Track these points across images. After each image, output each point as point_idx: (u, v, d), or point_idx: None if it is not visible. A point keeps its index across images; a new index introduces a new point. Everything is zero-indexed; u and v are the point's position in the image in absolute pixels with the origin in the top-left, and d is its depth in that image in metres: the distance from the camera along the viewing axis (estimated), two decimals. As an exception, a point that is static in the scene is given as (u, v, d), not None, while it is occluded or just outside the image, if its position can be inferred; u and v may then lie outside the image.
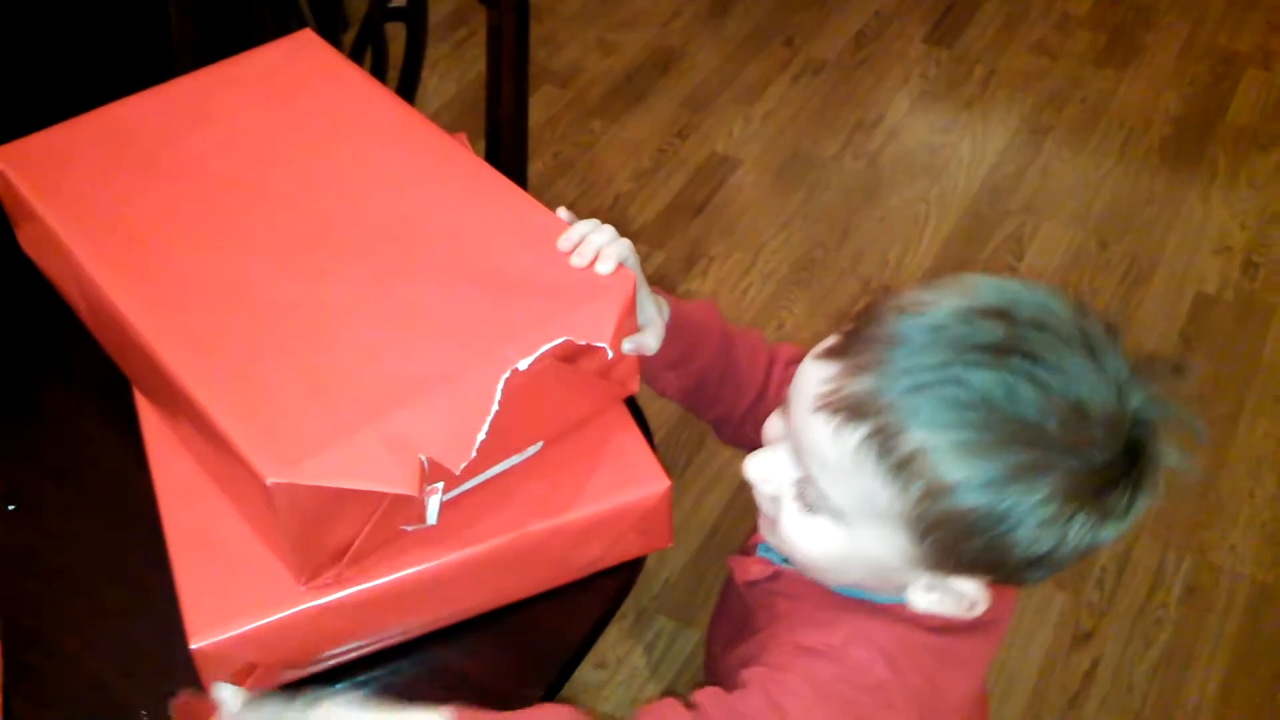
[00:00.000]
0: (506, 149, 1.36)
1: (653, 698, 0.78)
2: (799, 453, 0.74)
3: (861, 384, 0.69)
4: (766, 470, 0.77)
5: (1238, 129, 2.52)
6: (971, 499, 0.67)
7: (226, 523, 0.82)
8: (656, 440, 0.90)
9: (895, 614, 0.76)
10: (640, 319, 0.84)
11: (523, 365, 0.76)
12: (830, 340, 0.74)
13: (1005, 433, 0.66)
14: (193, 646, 0.76)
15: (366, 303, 0.82)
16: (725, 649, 0.93)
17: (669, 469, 0.86)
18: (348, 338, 0.80)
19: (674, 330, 0.87)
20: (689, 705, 0.73)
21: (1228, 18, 2.80)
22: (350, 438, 0.73)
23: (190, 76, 1.02)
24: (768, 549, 0.85)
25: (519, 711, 0.71)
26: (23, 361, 1.00)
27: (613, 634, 1.74)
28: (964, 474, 0.67)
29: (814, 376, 0.72)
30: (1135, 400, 0.69)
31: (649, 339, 0.85)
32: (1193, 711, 1.66)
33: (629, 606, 1.74)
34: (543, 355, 0.76)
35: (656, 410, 1.95)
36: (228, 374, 0.78)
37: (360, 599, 0.78)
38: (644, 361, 0.87)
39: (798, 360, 0.82)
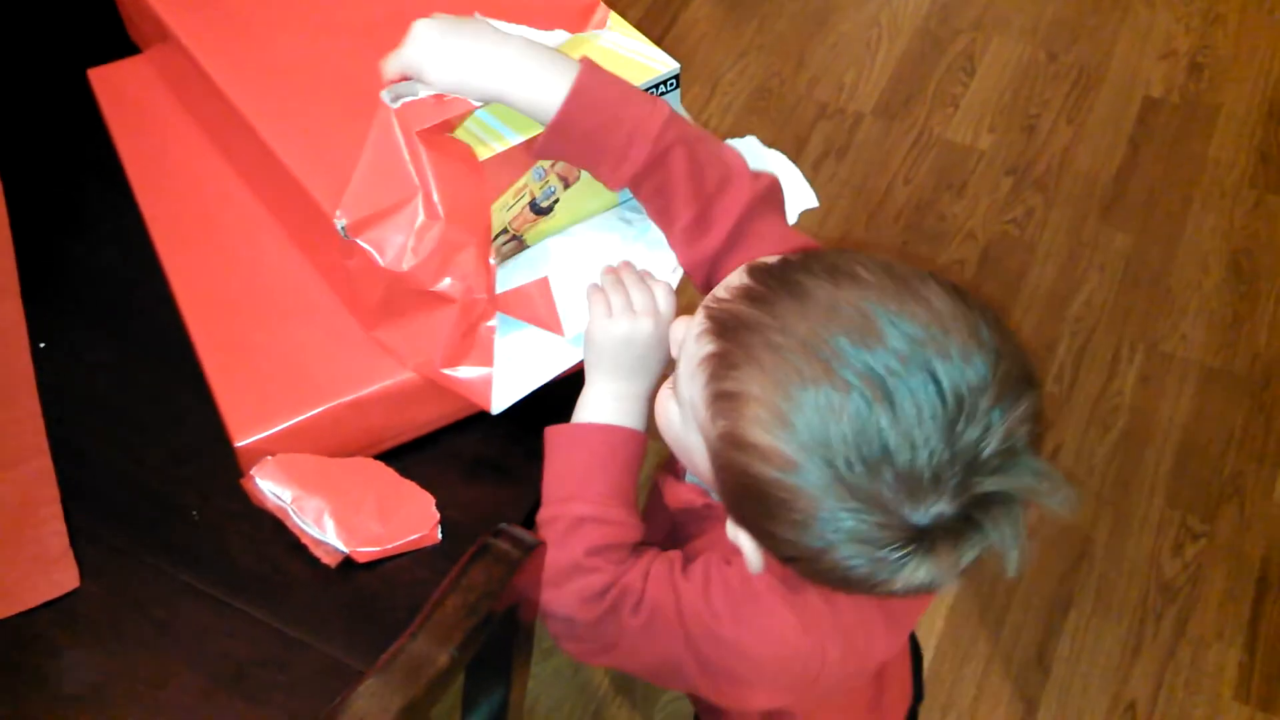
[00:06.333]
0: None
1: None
2: None
3: (745, 310, 0.68)
4: (679, 333, 0.77)
5: (1180, -67, 2.55)
6: (754, 469, 0.67)
7: (252, 334, 0.88)
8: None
9: None
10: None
11: None
12: (773, 259, 0.72)
13: (817, 439, 0.64)
14: (237, 445, 0.83)
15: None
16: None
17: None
18: None
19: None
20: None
21: None
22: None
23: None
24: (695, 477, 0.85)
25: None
26: (43, 214, 1.02)
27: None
28: (761, 442, 0.66)
29: (733, 280, 0.72)
30: (973, 486, 0.64)
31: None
32: (1149, 488, 1.78)
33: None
34: None
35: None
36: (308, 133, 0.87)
37: (383, 394, 0.85)
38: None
39: (759, 202, 0.84)
